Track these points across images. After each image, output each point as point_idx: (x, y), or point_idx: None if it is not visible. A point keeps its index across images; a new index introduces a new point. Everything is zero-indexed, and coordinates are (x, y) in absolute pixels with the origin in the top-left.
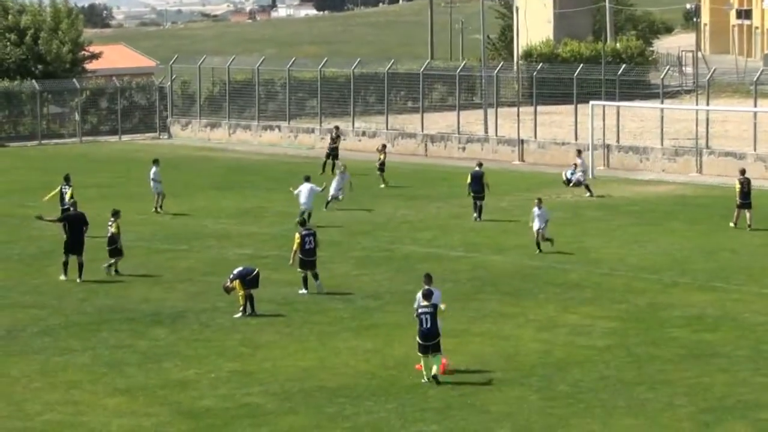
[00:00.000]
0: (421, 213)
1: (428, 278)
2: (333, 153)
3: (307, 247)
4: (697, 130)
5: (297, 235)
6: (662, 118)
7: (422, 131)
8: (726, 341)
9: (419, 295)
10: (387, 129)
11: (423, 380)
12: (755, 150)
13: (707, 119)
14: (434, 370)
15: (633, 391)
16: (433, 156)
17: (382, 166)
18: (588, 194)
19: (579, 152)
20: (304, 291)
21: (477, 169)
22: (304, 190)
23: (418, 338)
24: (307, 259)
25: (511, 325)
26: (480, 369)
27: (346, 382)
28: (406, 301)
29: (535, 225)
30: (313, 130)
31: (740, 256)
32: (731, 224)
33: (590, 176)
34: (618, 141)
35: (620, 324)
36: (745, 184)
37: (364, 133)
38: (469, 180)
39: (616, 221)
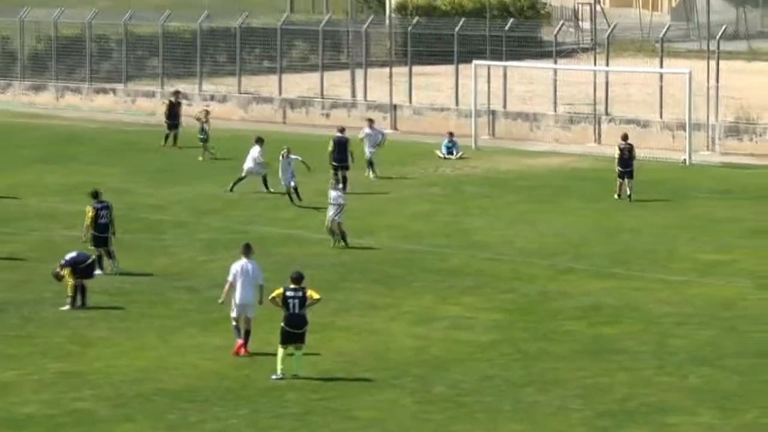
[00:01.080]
0: (280, 187)
1: (247, 249)
2: (174, 123)
3: (100, 221)
4: (596, 94)
5: (89, 208)
6: (555, 80)
7: (280, 95)
8: (627, 335)
9: (236, 266)
10: (239, 92)
11: (276, 376)
12: (661, 117)
13: (607, 82)
14: (295, 366)
15: (520, 393)
16: (292, 123)
17: (204, 134)
18: (371, 173)
19: (370, 121)
20: (99, 272)
21: (339, 135)
22: (283, 165)
23: (283, 325)
24: (101, 235)
25: (381, 318)
26: (345, 369)
27: (191, 385)
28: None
29: (329, 212)
30: (153, 94)
31: (643, 238)
32: (615, 196)
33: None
34: (505, 106)
35: (506, 316)
36: (626, 150)
37: (212, 98)
38: (330, 147)
39: (503, 198)
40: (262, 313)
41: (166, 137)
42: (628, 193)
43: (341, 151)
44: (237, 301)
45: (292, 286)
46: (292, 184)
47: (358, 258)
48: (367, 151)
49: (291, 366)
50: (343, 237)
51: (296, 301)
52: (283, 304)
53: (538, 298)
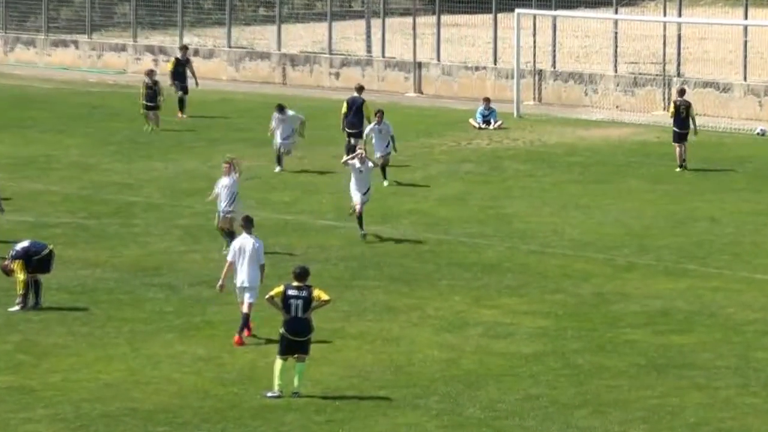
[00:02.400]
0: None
1: (248, 222)
2: (184, 86)
3: None
4: (665, 51)
5: None
6: (616, 33)
7: (279, 50)
8: (702, 346)
9: (236, 243)
10: (229, 47)
11: (271, 394)
12: (745, 79)
13: (679, 36)
14: (296, 382)
15: (571, 417)
16: (294, 84)
17: (151, 100)
18: (384, 180)
19: (379, 114)
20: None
21: (356, 95)
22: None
23: (282, 331)
24: None
25: (401, 324)
26: (357, 385)
27: (168, 404)
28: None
29: (355, 197)
30: (124, 48)
31: (722, 227)
32: (676, 169)
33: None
34: (554, 66)
35: (554, 322)
36: (683, 108)
37: (197, 53)
38: (344, 109)
39: (551, 178)
40: (259, 315)
41: (181, 102)
42: (681, 159)
43: (356, 114)
44: (236, 283)
45: (295, 284)
46: (283, 146)
47: (374, 250)
48: (377, 154)
49: (291, 381)
50: (360, 223)
51: (299, 302)
52: (283, 306)
53: (594, 301)
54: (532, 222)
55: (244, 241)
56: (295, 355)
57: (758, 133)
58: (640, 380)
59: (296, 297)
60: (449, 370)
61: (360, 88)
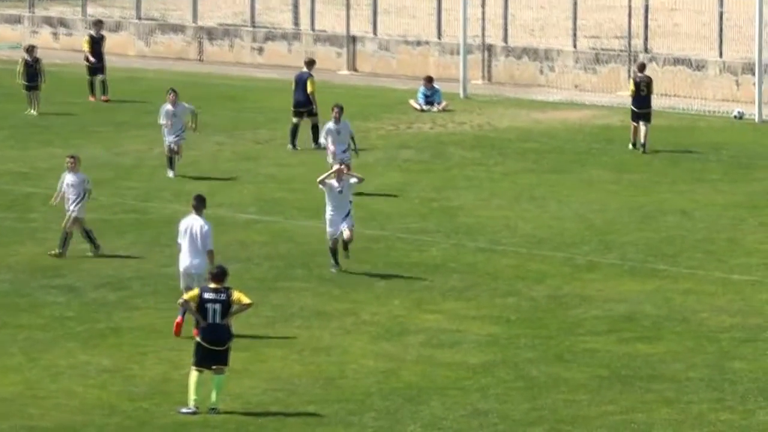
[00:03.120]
0: (192, 151)
1: (199, 203)
2: (99, 66)
3: None
4: (631, 23)
5: None
6: (576, 3)
7: (195, 22)
8: (673, 356)
9: (183, 224)
10: (138, 18)
11: (186, 410)
12: (720, 56)
13: (646, 6)
14: (213, 396)
15: None
16: (212, 61)
17: (32, 80)
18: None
19: (337, 111)
20: None
21: (303, 69)
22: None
23: (198, 339)
24: None
25: (333, 331)
26: (283, 400)
27: (70, 421)
28: (166, 290)
29: (333, 226)
30: (19, 20)
31: (695, 222)
32: (629, 145)
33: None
34: (506, 40)
35: (506, 329)
36: (643, 84)
37: (100, 24)
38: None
39: (501, 166)
40: (169, 315)
41: (91, 85)
42: (642, 141)
43: (301, 92)
44: (180, 267)
45: (212, 285)
46: (174, 143)
47: (302, 248)
48: (332, 159)
49: (208, 396)
50: (336, 254)
51: (217, 306)
52: (198, 311)
53: (550, 305)
54: (480, 216)
55: (193, 222)
56: (213, 367)
57: (735, 116)
58: (602, 394)
59: (213, 301)
60: (387, 382)
61: (310, 62)
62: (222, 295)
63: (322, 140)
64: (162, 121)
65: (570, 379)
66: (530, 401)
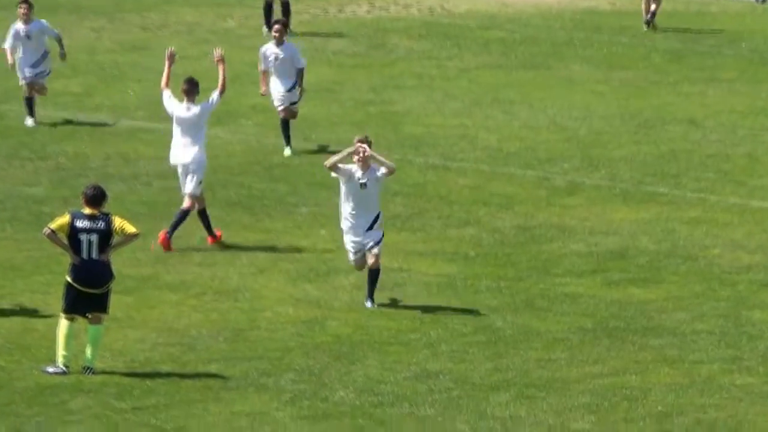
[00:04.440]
0: (64, 40)
1: (192, 85)
2: None
3: None
4: None
5: None
6: None
7: None
8: (675, 304)
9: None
10: None
11: (54, 369)
12: None
13: None
14: (89, 352)
15: (486, 403)
16: None
17: None
18: (288, 149)
19: (279, 29)
20: None
21: None
22: None
23: (69, 279)
24: None
25: (242, 269)
26: (177, 358)
27: None
28: (28, 217)
29: (351, 241)
30: None
31: (705, 134)
32: (643, 25)
33: None
34: None
35: (463, 268)
36: None
37: None
38: None
39: (458, 61)
40: (30, 248)
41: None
42: (648, 16)
43: None
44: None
45: (87, 211)
46: (32, 80)
47: None
48: (277, 101)
49: (81, 351)
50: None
51: (93, 237)
52: (70, 244)
53: (519, 237)
54: (431, 125)
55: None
56: (88, 314)
57: (757, 0)
58: (584, 351)
59: (89, 230)
60: (310, 335)
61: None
62: (99, 223)
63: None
64: (6, 44)
65: (544, 332)
66: (493, 360)
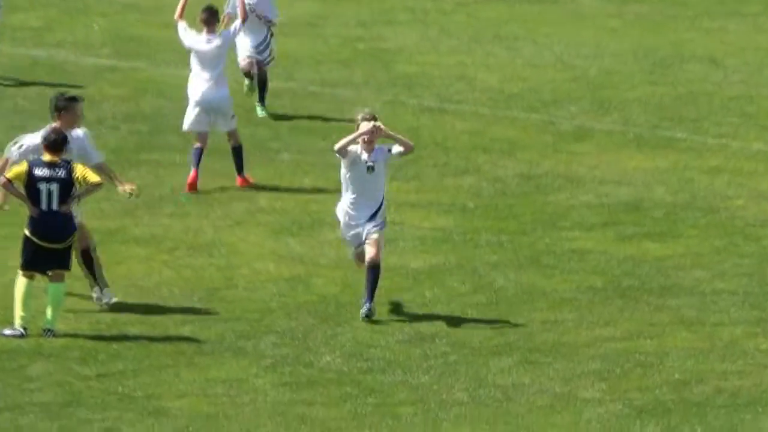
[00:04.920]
0: None
1: (212, 14)
2: None
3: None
4: None
5: None
6: None
7: None
8: (695, 261)
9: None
10: None
11: (10, 331)
12: None
13: None
14: (49, 313)
15: (487, 369)
16: None
17: None
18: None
19: None
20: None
21: None
22: None
23: (28, 232)
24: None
25: (217, 221)
26: (147, 319)
27: None
28: None
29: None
30: None
31: (728, 73)
32: None
33: None
34: None
35: (461, 221)
36: None
37: None
38: None
39: None
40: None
41: None
42: None
43: None
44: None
45: (47, 158)
46: None
47: (175, 106)
48: (243, 55)
49: (41, 312)
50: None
51: (53, 187)
52: (28, 194)
53: (523, 187)
54: (426, 63)
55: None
56: (49, 272)
57: None
58: (594, 313)
59: (48, 179)
60: (293, 295)
61: None
62: (60, 171)
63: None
64: None
65: (550, 291)
66: (494, 322)
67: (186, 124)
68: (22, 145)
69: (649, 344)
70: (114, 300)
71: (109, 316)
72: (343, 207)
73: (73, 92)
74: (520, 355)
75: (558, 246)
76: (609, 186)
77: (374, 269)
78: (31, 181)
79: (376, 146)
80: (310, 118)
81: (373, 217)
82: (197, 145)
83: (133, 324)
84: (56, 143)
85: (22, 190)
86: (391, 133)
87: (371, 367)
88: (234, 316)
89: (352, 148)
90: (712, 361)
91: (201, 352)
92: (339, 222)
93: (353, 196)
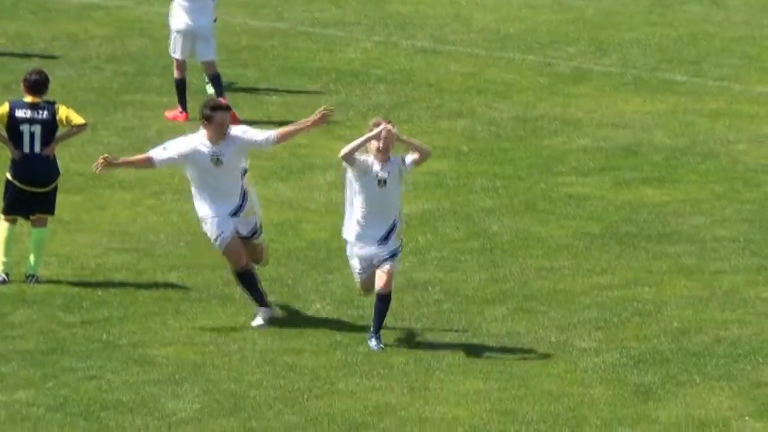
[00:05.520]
0: None
1: None
2: None
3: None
4: None
5: None
6: None
7: None
8: (694, 206)
9: None
10: None
11: None
12: None
13: None
14: (32, 259)
15: (481, 317)
16: None
17: None
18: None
19: None
20: None
21: None
22: None
23: (9, 175)
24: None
25: None
26: (133, 263)
27: None
28: None
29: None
30: None
31: (729, 14)
32: None
33: None
34: None
35: (455, 165)
36: None
37: None
38: None
39: None
40: None
41: None
42: None
43: None
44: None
45: (29, 99)
46: None
47: (161, 45)
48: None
49: (24, 258)
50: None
51: (36, 128)
52: (10, 136)
53: (518, 130)
54: (419, 2)
55: None
56: (31, 216)
57: None
58: (591, 260)
59: (30, 121)
60: (282, 240)
61: None
62: (42, 112)
63: None
64: None
65: (546, 237)
66: (488, 269)
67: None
68: (166, 149)
69: (647, 292)
70: (276, 314)
71: (93, 262)
72: (351, 226)
73: (215, 98)
74: (514, 303)
75: (554, 191)
76: (607, 130)
77: (384, 299)
78: (12, 123)
79: (391, 156)
80: (300, 59)
81: (385, 239)
82: (177, 76)
83: (118, 270)
84: (38, 84)
85: (4, 133)
86: (404, 138)
87: (362, 314)
88: (222, 262)
89: (362, 156)
90: (712, 309)
91: (188, 299)
92: (345, 243)
93: (362, 211)
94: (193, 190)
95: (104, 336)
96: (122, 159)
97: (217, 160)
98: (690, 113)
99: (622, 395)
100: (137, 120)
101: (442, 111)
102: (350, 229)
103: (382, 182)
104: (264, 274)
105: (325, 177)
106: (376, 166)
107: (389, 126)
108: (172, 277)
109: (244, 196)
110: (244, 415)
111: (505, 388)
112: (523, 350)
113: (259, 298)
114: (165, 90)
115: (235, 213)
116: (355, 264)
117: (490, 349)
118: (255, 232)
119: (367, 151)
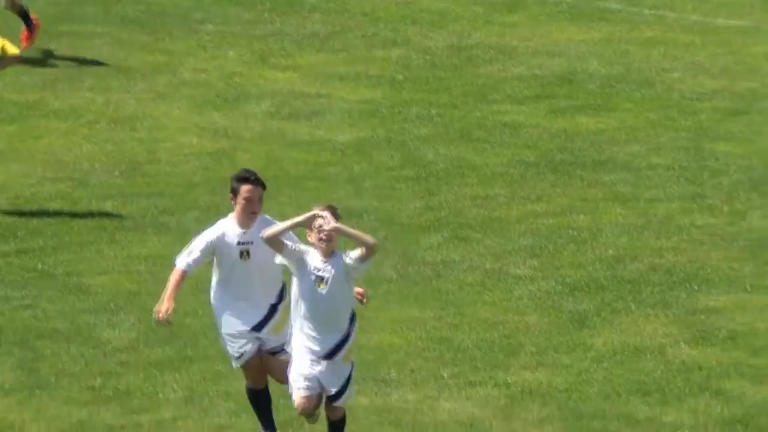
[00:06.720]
0: None
1: None
2: None
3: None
4: None
5: None
6: None
7: None
8: (629, 133)
9: None
10: None
11: None
12: None
13: None
14: None
15: (417, 246)
16: None
17: None
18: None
19: None
20: None
21: None
22: None
23: None
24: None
25: (139, 94)
26: (68, 193)
27: None
28: None
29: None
30: None
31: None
32: None
33: None
34: None
35: (389, 93)
36: None
37: None
38: None
39: None
40: None
41: None
42: None
43: None
44: None
45: None
46: None
47: None
48: None
49: None
50: None
51: None
52: None
53: (453, 58)
54: None
55: None
56: None
57: None
58: (526, 187)
59: None
60: (217, 169)
61: None
62: None
63: None
64: None
65: (481, 165)
66: (424, 197)
67: None
68: (191, 252)
69: (582, 220)
70: None
71: (28, 191)
72: (294, 329)
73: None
74: (450, 231)
75: (489, 119)
76: (541, 58)
77: (337, 424)
78: None
79: (337, 252)
80: None
81: (333, 353)
82: None
83: (53, 199)
84: None
85: None
86: (343, 228)
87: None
88: (157, 191)
89: (299, 247)
90: (647, 237)
91: (123, 228)
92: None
93: (304, 317)
94: (214, 280)
95: (39, 265)
96: (168, 299)
97: (246, 252)
98: (625, 41)
99: (558, 322)
100: (72, 50)
101: (377, 39)
102: (294, 338)
103: (320, 281)
104: (198, 202)
105: (260, 106)
106: (316, 262)
107: (327, 215)
108: (107, 206)
109: (273, 307)
110: (180, 343)
111: (441, 316)
112: (458, 278)
113: (267, 422)
114: (99, 19)
115: (260, 327)
116: (298, 385)
117: (426, 276)
118: (284, 346)
119: (309, 240)
